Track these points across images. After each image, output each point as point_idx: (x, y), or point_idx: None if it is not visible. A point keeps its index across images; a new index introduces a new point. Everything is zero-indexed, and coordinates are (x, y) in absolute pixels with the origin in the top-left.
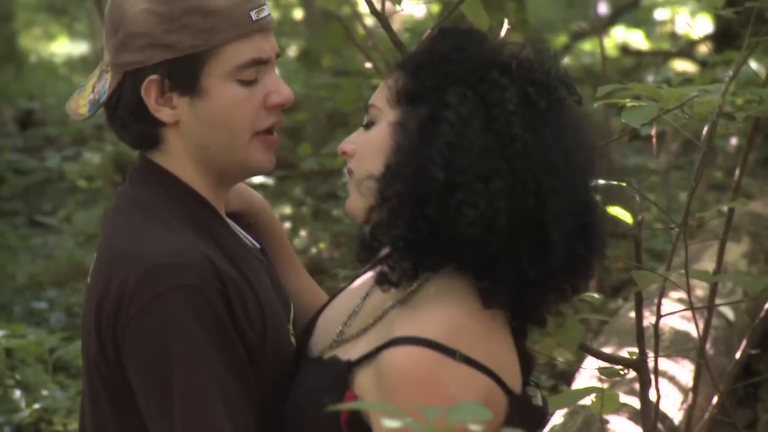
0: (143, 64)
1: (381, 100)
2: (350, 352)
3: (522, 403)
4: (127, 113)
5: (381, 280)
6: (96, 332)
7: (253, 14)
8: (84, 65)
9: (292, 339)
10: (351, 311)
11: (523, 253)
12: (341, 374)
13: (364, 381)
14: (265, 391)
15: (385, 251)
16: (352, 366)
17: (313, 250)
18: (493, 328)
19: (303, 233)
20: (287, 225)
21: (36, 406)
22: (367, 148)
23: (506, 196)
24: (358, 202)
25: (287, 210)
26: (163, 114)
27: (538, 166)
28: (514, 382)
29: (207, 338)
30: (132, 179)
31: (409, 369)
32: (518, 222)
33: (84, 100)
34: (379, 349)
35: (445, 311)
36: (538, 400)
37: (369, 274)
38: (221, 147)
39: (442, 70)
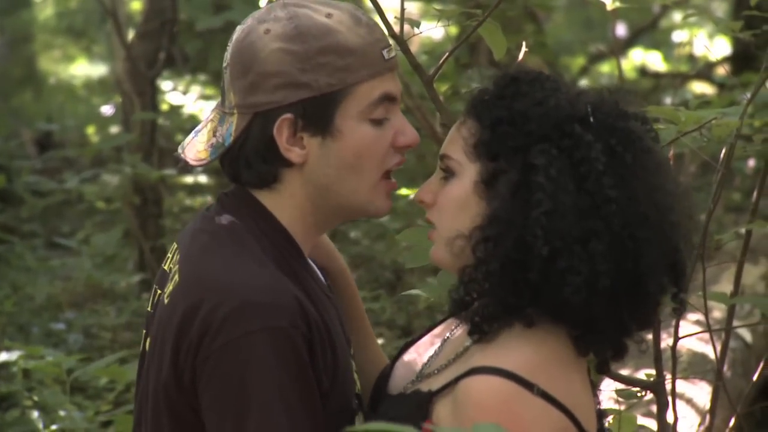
0: (277, 104)
1: (457, 151)
2: (432, 385)
3: None
4: (254, 153)
5: (474, 331)
6: (173, 356)
7: (385, 53)
8: (102, 87)
9: (355, 376)
10: (432, 352)
11: (623, 306)
12: (422, 404)
13: (442, 411)
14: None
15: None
16: (432, 396)
17: None
18: (573, 369)
19: None
20: None
21: (53, 427)
22: (451, 204)
23: (606, 257)
24: (447, 257)
25: None
26: (293, 154)
27: (632, 222)
28: (590, 425)
29: (288, 383)
30: (224, 205)
31: (485, 397)
32: (618, 280)
33: (203, 144)
34: (458, 379)
35: (526, 346)
36: None
37: (447, 322)
38: (344, 189)
39: (523, 129)
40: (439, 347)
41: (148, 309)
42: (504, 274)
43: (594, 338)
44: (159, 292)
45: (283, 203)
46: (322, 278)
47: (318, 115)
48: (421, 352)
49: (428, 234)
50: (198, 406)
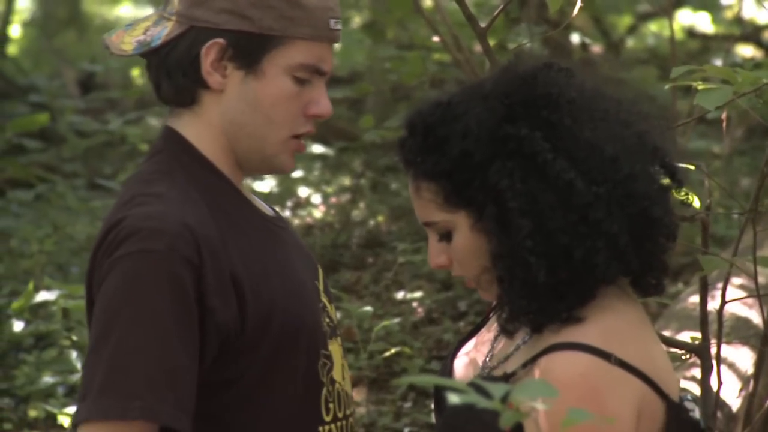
0: (215, 26)
1: (437, 214)
2: (505, 368)
3: (680, 412)
4: (176, 64)
5: (537, 328)
6: (87, 291)
7: (332, 22)
8: None
9: (324, 299)
10: (490, 344)
11: (655, 233)
12: None
13: None
14: (276, 367)
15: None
16: (508, 378)
17: (371, 222)
18: (645, 331)
19: (362, 206)
20: (346, 197)
21: None
22: (465, 255)
23: (612, 217)
24: (487, 294)
25: (346, 182)
26: (213, 79)
27: (609, 170)
28: (671, 389)
29: (160, 305)
30: (151, 152)
31: (565, 373)
32: (635, 223)
33: (131, 38)
34: (535, 358)
35: (598, 317)
36: (696, 414)
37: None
38: (255, 131)
39: (472, 165)
40: (495, 338)
41: None
42: (540, 295)
43: (649, 280)
44: None
45: (204, 132)
46: (267, 209)
47: (249, 50)
48: (478, 346)
49: (466, 283)
50: None
